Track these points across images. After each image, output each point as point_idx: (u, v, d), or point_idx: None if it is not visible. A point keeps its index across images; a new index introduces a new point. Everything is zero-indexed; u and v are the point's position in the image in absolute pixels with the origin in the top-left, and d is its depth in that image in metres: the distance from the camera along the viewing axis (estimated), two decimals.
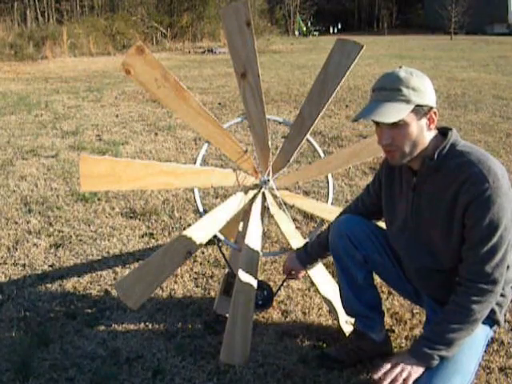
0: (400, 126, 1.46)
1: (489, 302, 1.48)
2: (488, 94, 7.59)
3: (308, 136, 2.27)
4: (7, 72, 11.52)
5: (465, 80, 9.07)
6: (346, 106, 6.72)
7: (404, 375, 1.48)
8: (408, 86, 1.44)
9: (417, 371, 1.50)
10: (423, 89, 1.46)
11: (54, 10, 21.91)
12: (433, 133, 1.52)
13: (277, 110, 6.60)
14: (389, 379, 1.46)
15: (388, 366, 1.50)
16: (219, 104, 7.05)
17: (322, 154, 2.51)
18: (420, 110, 1.46)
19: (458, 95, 7.48)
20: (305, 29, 30.54)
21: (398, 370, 1.48)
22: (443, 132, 1.55)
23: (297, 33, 30.80)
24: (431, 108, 1.49)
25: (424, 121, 1.48)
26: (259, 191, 2.28)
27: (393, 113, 1.43)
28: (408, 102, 1.44)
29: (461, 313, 1.48)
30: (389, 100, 1.45)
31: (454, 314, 1.49)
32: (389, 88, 1.45)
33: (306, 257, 2.00)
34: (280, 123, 2.72)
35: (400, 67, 1.51)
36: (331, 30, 34.56)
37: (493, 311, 1.58)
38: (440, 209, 1.52)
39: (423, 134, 1.49)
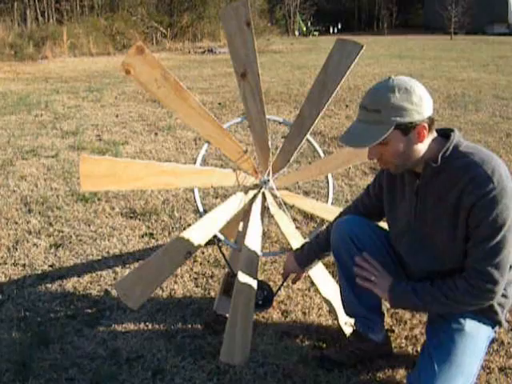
0: (385, 144, 1.46)
1: (483, 299, 1.49)
2: (488, 94, 7.58)
3: (308, 136, 2.27)
4: (7, 72, 11.51)
5: (465, 80, 9.06)
6: (346, 105, 6.71)
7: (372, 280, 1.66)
8: (387, 106, 1.42)
9: (382, 290, 1.65)
10: (407, 106, 1.41)
11: (53, 9, 21.86)
12: (427, 141, 1.49)
13: (277, 109, 6.59)
14: (363, 274, 1.69)
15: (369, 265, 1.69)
16: (219, 104, 7.05)
17: (321, 154, 2.51)
18: (404, 127, 1.43)
19: (457, 95, 7.47)
20: (305, 29, 30.51)
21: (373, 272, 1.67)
22: (446, 134, 1.54)
23: (297, 33, 30.77)
24: (418, 123, 1.44)
25: (412, 135, 1.45)
26: (259, 191, 2.28)
27: (371, 136, 1.44)
28: (387, 123, 1.42)
29: (453, 292, 1.50)
30: (368, 122, 1.45)
31: (447, 288, 1.51)
32: (370, 108, 1.45)
33: (304, 258, 2.00)
34: (280, 123, 2.72)
35: (389, 78, 1.47)
36: (331, 30, 34.51)
37: (495, 312, 1.59)
38: (444, 210, 1.52)
39: (412, 147, 1.47)
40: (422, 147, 1.49)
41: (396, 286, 1.62)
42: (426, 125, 1.45)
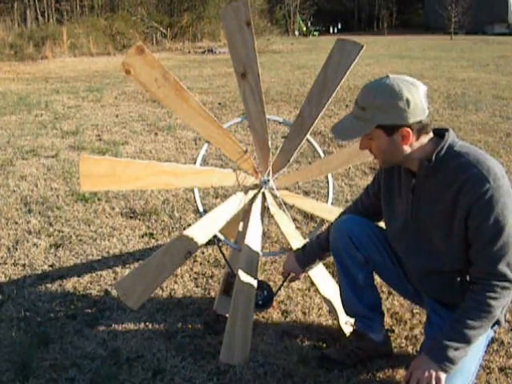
0: (371, 139, 1.52)
1: (506, 298, 1.48)
2: (488, 94, 7.58)
3: (308, 136, 2.27)
4: (7, 72, 11.52)
5: (465, 80, 9.06)
6: (346, 105, 6.71)
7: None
8: (371, 106, 1.47)
9: (442, 377, 1.48)
10: (389, 109, 1.44)
11: (54, 9, 21.88)
12: (417, 143, 1.50)
13: (277, 110, 6.59)
14: None
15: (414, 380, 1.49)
16: (219, 104, 7.05)
17: (321, 154, 2.51)
18: (387, 128, 1.47)
19: (457, 95, 7.47)
20: (305, 29, 30.55)
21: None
22: (440, 133, 1.55)
23: (297, 33, 30.81)
24: (402, 126, 1.45)
25: (396, 137, 1.48)
26: (259, 191, 2.28)
27: (354, 131, 1.52)
28: (370, 121, 1.47)
29: (480, 309, 1.47)
30: (356, 117, 1.52)
31: (473, 310, 1.48)
32: (359, 105, 1.51)
33: (305, 258, 1.99)
34: (280, 123, 2.72)
35: (386, 77, 1.49)
36: (331, 30, 34.57)
37: None
38: (440, 210, 1.52)
39: (397, 147, 1.50)
40: (407, 148, 1.51)
41: (437, 359, 1.49)
42: (412, 129, 1.46)
